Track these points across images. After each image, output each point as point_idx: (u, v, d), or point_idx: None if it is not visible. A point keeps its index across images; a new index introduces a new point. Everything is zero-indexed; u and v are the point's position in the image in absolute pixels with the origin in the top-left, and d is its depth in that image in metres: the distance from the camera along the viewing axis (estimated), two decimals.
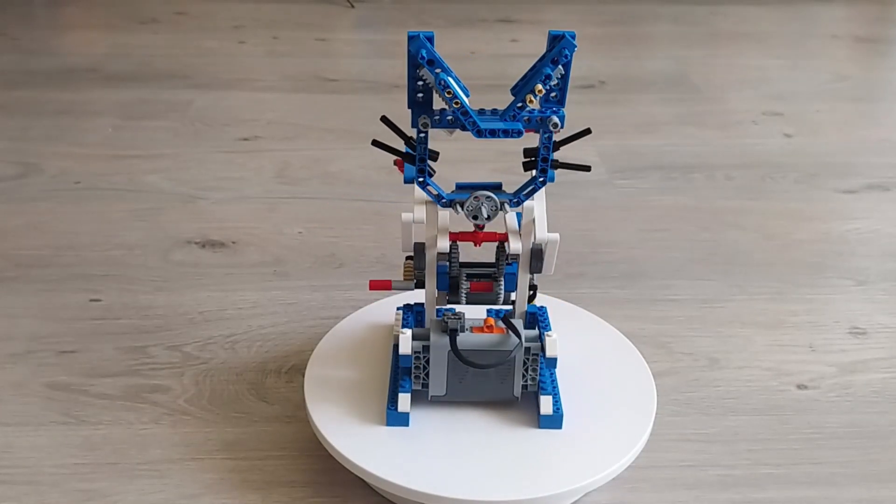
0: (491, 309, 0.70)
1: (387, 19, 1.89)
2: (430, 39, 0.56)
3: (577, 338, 0.72)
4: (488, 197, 0.60)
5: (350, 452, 0.60)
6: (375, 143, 0.62)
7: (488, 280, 0.64)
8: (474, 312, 0.68)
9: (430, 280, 0.64)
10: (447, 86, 0.56)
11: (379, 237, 0.99)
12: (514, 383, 0.64)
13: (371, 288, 0.66)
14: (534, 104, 0.57)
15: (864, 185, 1.15)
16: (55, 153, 1.19)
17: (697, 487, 0.66)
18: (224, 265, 0.93)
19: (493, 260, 0.64)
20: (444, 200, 0.61)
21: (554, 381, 0.66)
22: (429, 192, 0.62)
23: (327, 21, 1.86)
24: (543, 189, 0.62)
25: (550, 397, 0.63)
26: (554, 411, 0.63)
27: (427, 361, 0.63)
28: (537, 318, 0.66)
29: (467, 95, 0.59)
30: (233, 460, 0.67)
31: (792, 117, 1.37)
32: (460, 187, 0.62)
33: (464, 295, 0.64)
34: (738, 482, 0.66)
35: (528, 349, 0.63)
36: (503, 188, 0.62)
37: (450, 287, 0.64)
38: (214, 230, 1.00)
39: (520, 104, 0.57)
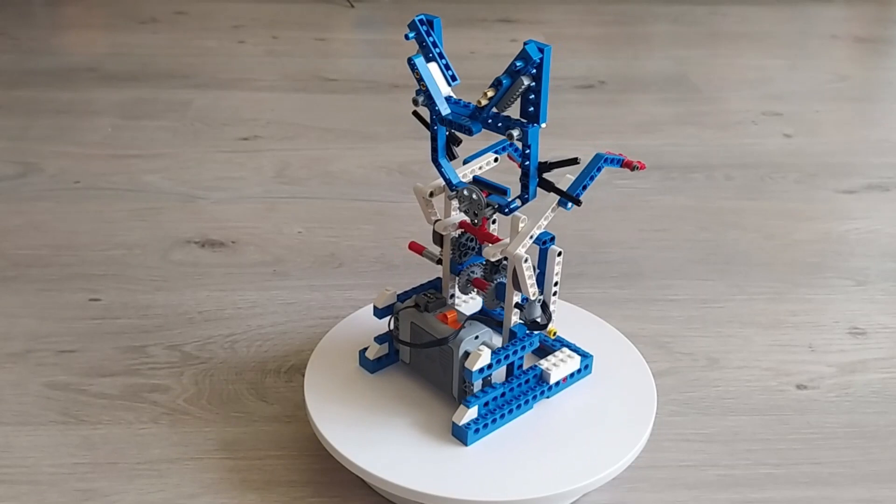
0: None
1: (386, 19, 1.89)
2: (428, 23, 0.57)
3: (577, 338, 0.72)
4: (475, 195, 0.60)
5: (350, 452, 0.60)
6: (415, 114, 0.63)
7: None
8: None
9: (445, 259, 0.66)
10: (414, 68, 0.56)
11: (379, 237, 0.99)
12: (453, 381, 0.64)
13: (409, 247, 0.68)
14: (482, 105, 0.56)
15: (863, 185, 1.15)
16: (55, 153, 1.19)
17: (697, 487, 0.66)
18: (224, 265, 0.93)
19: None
20: (452, 186, 0.62)
21: (495, 401, 0.63)
22: (441, 174, 0.62)
23: (327, 21, 1.86)
24: (550, 208, 0.60)
25: (468, 410, 0.61)
26: (464, 425, 0.61)
27: None
28: (514, 337, 0.64)
29: (451, 84, 0.59)
30: (232, 460, 0.67)
31: (792, 117, 1.37)
32: (475, 180, 0.63)
33: (462, 284, 0.65)
34: (738, 482, 0.66)
35: (466, 354, 0.62)
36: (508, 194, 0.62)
37: (458, 273, 0.66)
38: (214, 230, 1.00)
39: (479, 104, 0.57)
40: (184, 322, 0.83)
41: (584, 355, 0.68)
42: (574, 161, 0.58)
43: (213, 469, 0.66)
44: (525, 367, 0.65)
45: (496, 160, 0.65)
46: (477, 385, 0.62)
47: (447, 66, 0.59)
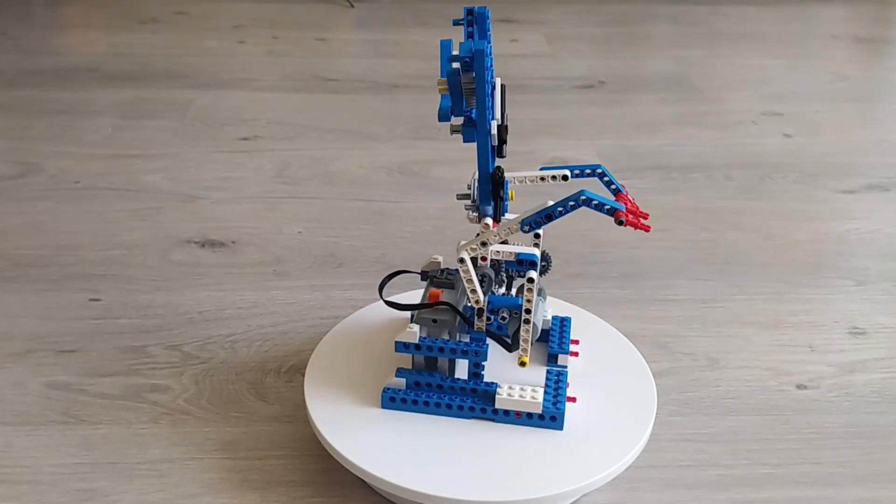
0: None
1: (386, 19, 1.89)
2: (471, 13, 0.58)
3: (577, 338, 0.72)
4: (472, 191, 0.61)
5: (350, 452, 0.60)
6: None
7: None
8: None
9: None
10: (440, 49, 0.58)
11: (379, 237, 0.99)
12: None
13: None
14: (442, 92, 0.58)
15: (863, 185, 1.15)
16: (55, 153, 1.19)
17: (697, 487, 0.66)
18: (223, 265, 0.93)
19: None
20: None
21: (430, 386, 0.64)
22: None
23: (327, 21, 1.86)
24: (513, 214, 0.59)
25: (394, 378, 0.64)
26: (384, 388, 0.64)
27: None
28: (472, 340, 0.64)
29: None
30: (232, 460, 0.67)
31: (792, 117, 1.37)
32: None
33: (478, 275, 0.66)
34: (738, 482, 0.66)
35: None
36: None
37: None
38: (214, 230, 1.00)
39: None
40: (184, 322, 0.83)
41: (556, 406, 0.63)
42: (500, 178, 0.59)
43: (213, 469, 0.66)
44: (490, 380, 0.64)
45: (565, 178, 0.62)
46: (418, 362, 0.64)
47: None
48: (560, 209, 0.57)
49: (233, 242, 0.98)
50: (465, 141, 0.57)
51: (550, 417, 0.62)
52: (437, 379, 0.64)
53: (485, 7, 0.59)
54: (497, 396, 0.63)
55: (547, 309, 0.71)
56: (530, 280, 0.59)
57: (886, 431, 0.72)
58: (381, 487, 0.60)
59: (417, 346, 0.62)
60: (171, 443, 0.69)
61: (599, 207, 0.56)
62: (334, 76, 1.51)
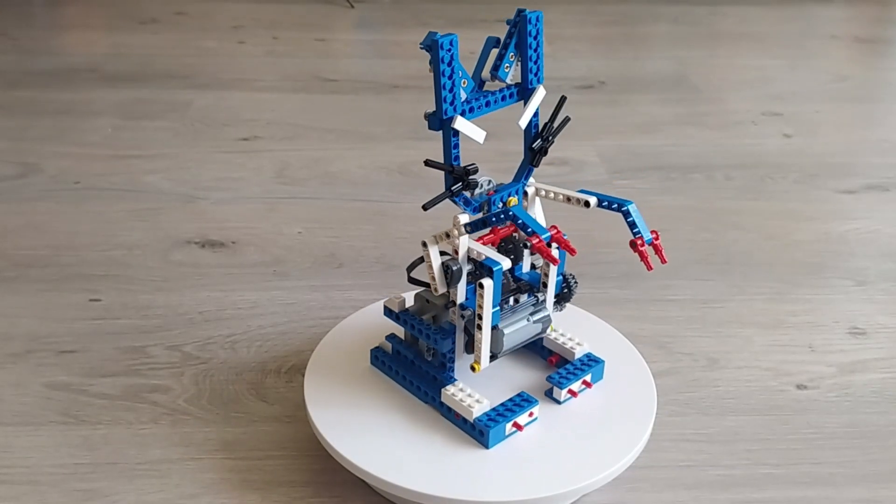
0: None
1: (386, 19, 1.89)
2: (520, 16, 0.59)
3: (577, 338, 0.72)
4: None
5: (350, 453, 0.60)
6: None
7: None
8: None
9: None
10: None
11: (379, 237, 0.99)
12: None
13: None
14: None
15: (863, 186, 1.15)
16: (55, 153, 1.19)
17: (697, 487, 0.66)
18: (224, 265, 0.93)
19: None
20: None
21: (406, 358, 0.66)
22: None
23: (327, 21, 1.86)
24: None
25: (384, 341, 0.68)
26: (377, 347, 0.68)
27: None
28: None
29: (493, 73, 0.62)
30: (232, 460, 0.67)
31: (792, 117, 1.37)
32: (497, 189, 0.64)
33: None
34: (738, 482, 0.66)
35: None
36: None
37: None
38: (214, 230, 1.00)
39: None
40: (184, 322, 0.83)
41: (489, 422, 0.61)
42: (451, 188, 0.58)
43: (213, 469, 0.66)
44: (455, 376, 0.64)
45: (587, 204, 0.62)
46: (405, 333, 0.67)
47: (500, 57, 0.61)
48: (493, 219, 0.58)
49: (233, 243, 0.98)
50: (429, 128, 0.58)
51: (479, 431, 0.61)
52: (411, 354, 0.66)
53: (535, 10, 0.59)
54: (443, 391, 0.63)
55: (581, 342, 0.69)
56: (480, 286, 0.58)
57: (886, 431, 0.72)
58: (381, 487, 0.60)
59: (397, 316, 0.65)
60: (171, 443, 0.69)
61: (522, 227, 0.56)
62: (334, 76, 1.51)
